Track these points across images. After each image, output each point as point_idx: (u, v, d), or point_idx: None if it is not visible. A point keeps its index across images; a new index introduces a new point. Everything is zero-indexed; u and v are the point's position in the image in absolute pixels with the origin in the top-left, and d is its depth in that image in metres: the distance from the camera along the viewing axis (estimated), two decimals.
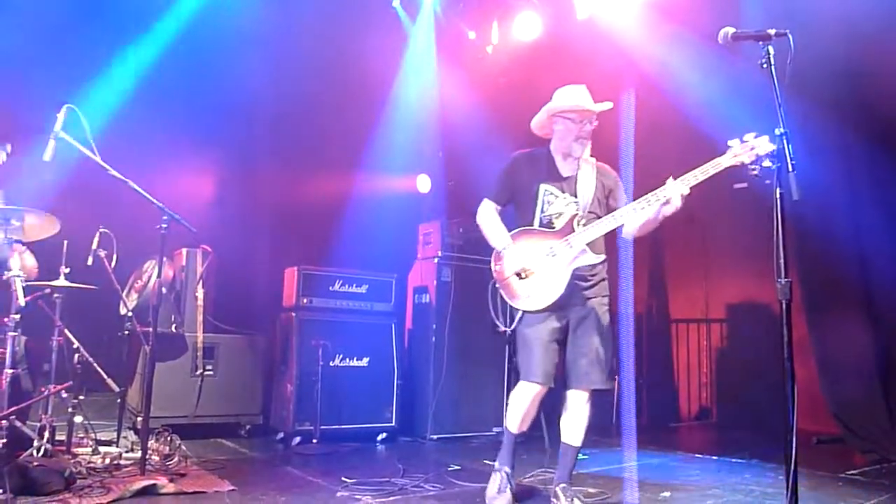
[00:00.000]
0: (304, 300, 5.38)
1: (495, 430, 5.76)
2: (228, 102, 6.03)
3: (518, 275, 3.35)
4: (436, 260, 5.83)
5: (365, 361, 5.46)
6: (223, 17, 5.84)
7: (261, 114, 6.33)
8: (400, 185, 7.48)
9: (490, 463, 3.93)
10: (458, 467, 4.47)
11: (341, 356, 5.35)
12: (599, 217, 3.37)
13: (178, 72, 5.80)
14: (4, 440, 3.36)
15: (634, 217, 3.24)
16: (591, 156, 3.56)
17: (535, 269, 3.33)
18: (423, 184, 7.63)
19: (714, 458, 5.14)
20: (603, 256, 3.38)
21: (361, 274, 5.66)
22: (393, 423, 5.53)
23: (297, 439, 5.12)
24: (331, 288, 5.51)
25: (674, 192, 3.03)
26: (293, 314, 5.32)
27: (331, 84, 6.52)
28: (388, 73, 6.92)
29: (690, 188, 3.02)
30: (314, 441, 5.06)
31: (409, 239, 6.22)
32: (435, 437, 5.56)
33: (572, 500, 3.38)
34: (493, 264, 3.47)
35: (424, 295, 5.89)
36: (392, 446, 5.38)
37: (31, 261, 4.16)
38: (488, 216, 3.59)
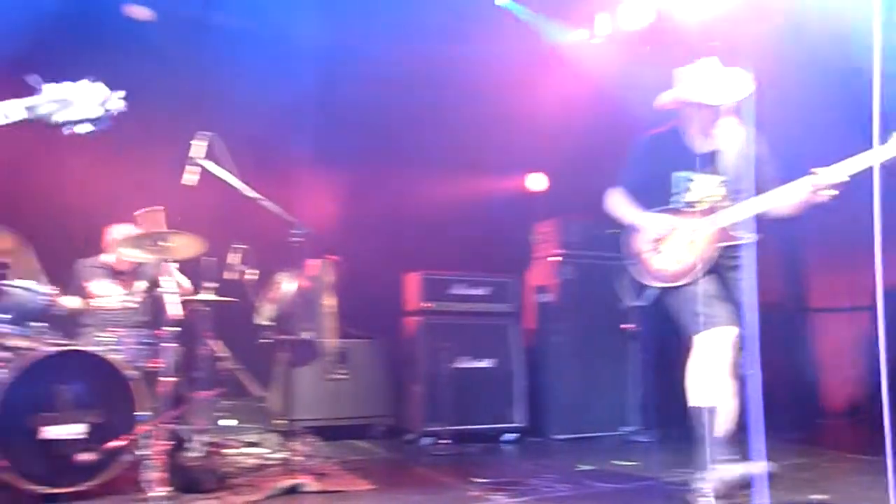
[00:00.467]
0: (427, 304, 5.51)
1: (622, 430, 5.65)
2: (342, 112, 6.26)
3: (653, 248, 3.22)
4: (555, 258, 5.79)
5: (489, 362, 5.52)
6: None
7: (374, 122, 6.51)
8: (511, 185, 7.48)
9: (620, 464, 3.87)
10: (591, 467, 4.42)
11: (465, 357, 5.43)
12: (744, 193, 3.12)
13: (293, 84, 6.04)
14: (170, 443, 3.67)
15: (782, 200, 3.05)
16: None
17: (671, 243, 3.20)
18: (536, 182, 7.59)
19: (867, 457, 4.77)
20: (750, 237, 3.04)
21: (481, 276, 5.73)
22: (519, 423, 5.55)
23: (427, 440, 5.25)
24: (452, 291, 5.61)
25: (830, 179, 2.83)
26: (417, 318, 5.46)
27: (441, 87, 6.62)
28: (495, 73, 6.93)
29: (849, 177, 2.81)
30: (443, 441, 5.16)
31: (523, 238, 6.21)
32: (560, 437, 5.53)
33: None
34: (626, 241, 3.36)
35: (545, 294, 5.86)
36: (518, 447, 5.40)
37: (183, 278, 4.52)
38: (619, 199, 3.45)
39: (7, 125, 1.74)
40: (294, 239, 4.35)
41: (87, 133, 1.81)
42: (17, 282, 3.83)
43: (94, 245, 4.68)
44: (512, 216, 6.77)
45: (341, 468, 4.29)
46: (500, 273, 5.85)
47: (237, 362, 4.50)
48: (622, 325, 5.55)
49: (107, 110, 1.83)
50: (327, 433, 5.09)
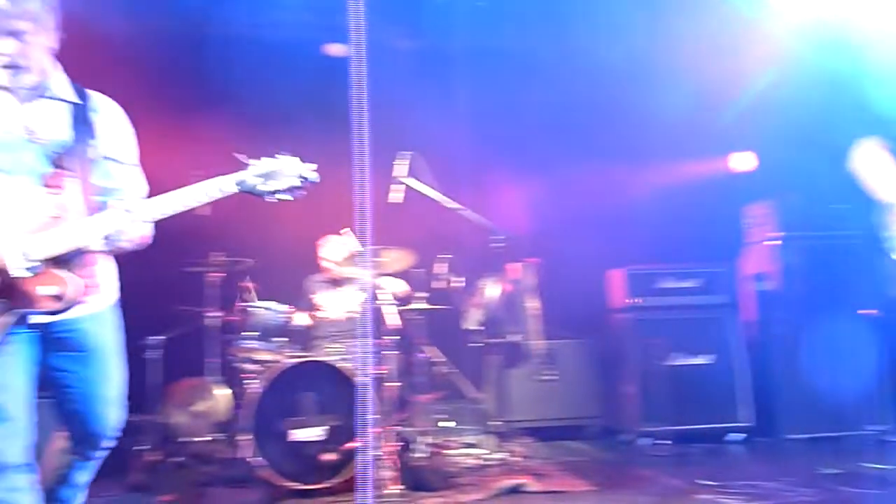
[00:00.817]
0: (634, 300, 5.35)
1: (870, 428, 5.02)
2: (531, 113, 6.27)
3: None
4: (773, 241, 5.32)
5: (706, 358, 5.21)
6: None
7: (562, 120, 6.44)
8: (714, 168, 7.00)
9: (873, 466, 3.44)
10: (837, 471, 3.99)
11: (679, 354, 5.18)
12: None
13: (481, 94, 6.17)
14: (400, 444, 3.94)
15: None
16: None
17: None
18: (742, 162, 7.03)
19: None
20: None
21: (691, 267, 5.43)
22: (745, 422, 5.16)
23: (644, 440, 5.08)
24: (659, 284, 5.38)
25: None
26: (624, 315, 5.32)
27: (626, 75, 6.39)
28: (684, 52, 6.54)
29: None
30: (661, 442, 4.97)
31: (732, 223, 5.78)
32: (794, 436, 5.05)
33: None
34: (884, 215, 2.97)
35: (765, 281, 5.41)
36: (746, 447, 5.03)
37: (401, 286, 4.82)
38: (874, 158, 2.97)
39: (221, 198, 2.08)
40: (495, 245, 4.46)
41: (286, 200, 2.13)
42: (259, 303, 4.33)
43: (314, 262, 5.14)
44: (717, 200, 6.33)
45: (559, 469, 4.30)
46: (711, 262, 5.50)
47: (452, 366, 4.69)
48: (860, 311, 4.96)
49: (303, 180, 2.13)
50: (541, 434, 5.13)
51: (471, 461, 4.51)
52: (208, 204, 2.10)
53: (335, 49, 5.94)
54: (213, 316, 4.45)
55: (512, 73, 6.24)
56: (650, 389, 5.07)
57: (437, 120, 5.75)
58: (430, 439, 4.41)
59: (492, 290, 4.91)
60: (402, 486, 3.77)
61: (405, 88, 5.94)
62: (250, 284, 4.53)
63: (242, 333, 4.26)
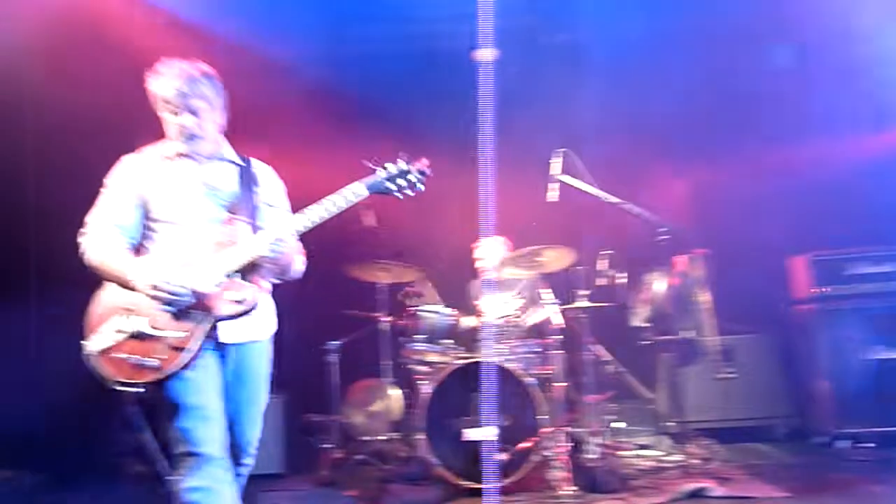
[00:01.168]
0: (821, 289, 4.88)
1: None
2: (688, 100, 5.95)
3: None
4: None
5: None
6: None
7: (719, 103, 6.05)
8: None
9: None
10: None
11: (879, 347, 4.66)
12: None
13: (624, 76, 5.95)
14: (570, 444, 3.89)
15: None
16: None
17: None
18: None
19: None
20: None
21: (886, 250, 4.87)
22: None
23: (843, 442, 4.62)
24: (850, 271, 4.87)
25: None
26: (809, 306, 4.88)
27: (784, 46, 5.89)
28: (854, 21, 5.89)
29: None
30: (864, 445, 4.49)
31: None
32: None
33: None
34: None
35: None
36: None
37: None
38: None
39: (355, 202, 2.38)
40: (659, 237, 4.28)
41: (410, 195, 2.44)
42: (427, 306, 4.48)
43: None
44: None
45: (745, 473, 4.02)
46: None
47: (620, 365, 4.57)
48: None
49: (421, 175, 2.44)
50: (721, 435, 4.82)
51: (646, 463, 4.35)
52: (365, 211, 2.28)
53: (483, 54, 6.00)
54: (385, 320, 4.66)
55: (663, 58, 5.95)
56: (847, 387, 4.60)
57: (590, 113, 5.65)
58: (601, 440, 4.32)
59: (659, 284, 4.72)
60: (575, 488, 3.73)
61: (555, 84, 5.90)
62: (418, 289, 4.70)
63: (413, 336, 4.42)
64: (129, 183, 2.40)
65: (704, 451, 4.34)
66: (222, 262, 2.29)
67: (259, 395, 2.52)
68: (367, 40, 6.01)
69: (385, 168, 2.41)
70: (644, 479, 3.96)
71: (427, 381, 4.17)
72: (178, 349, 2.22)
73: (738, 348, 5.16)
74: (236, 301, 2.28)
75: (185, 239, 2.36)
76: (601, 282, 4.56)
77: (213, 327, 2.29)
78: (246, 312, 2.31)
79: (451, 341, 4.45)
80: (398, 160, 2.42)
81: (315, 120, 5.70)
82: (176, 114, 2.35)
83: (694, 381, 5.01)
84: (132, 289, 2.24)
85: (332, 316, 5.12)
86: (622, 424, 4.62)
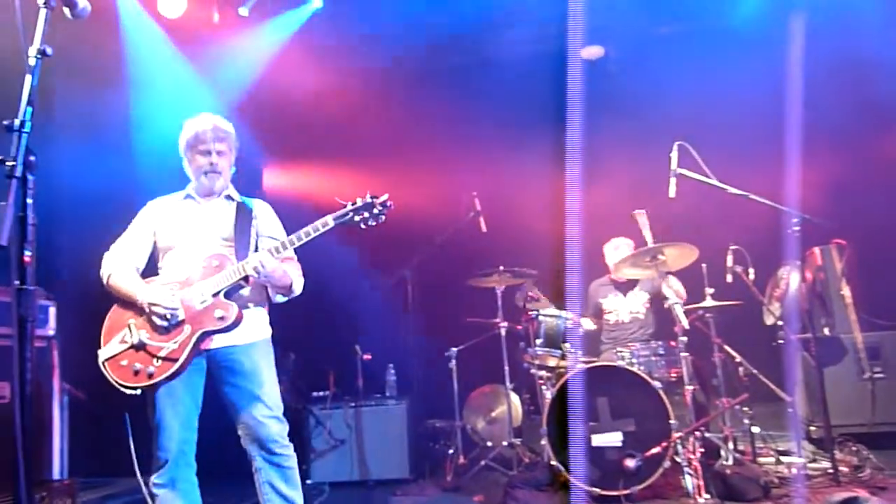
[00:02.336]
0: None
1: None
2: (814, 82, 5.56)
3: None
4: None
5: None
6: None
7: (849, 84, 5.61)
8: None
9: None
10: None
11: None
12: None
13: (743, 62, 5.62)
14: (702, 450, 3.72)
15: None
16: None
17: None
18: None
19: None
20: None
21: None
22: None
23: None
24: None
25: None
26: None
27: None
28: None
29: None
30: None
31: None
32: None
33: None
34: None
35: None
36: None
37: (679, 286, 4.61)
38: None
39: (320, 234, 2.67)
40: (791, 229, 4.02)
41: (372, 226, 2.70)
42: (546, 310, 4.44)
43: (597, 266, 5.12)
44: None
45: None
46: None
47: (755, 366, 4.32)
48: None
49: (383, 208, 2.70)
50: (868, 440, 4.44)
51: (787, 470, 4.08)
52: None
53: (591, 52, 5.91)
54: (503, 325, 4.66)
55: (786, 40, 5.59)
56: None
57: (709, 103, 5.41)
58: (737, 446, 4.10)
59: (793, 279, 4.43)
60: (709, 495, 3.56)
61: (669, 75, 5.70)
62: (536, 293, 4.67)
63: (534, 341, 4.39)
64: (145, 222, 2.89)
65: (853, 458, 4.02)
66: (210, 283, 2.68)
67: (257, 389, 2.75)
68: (469, 52, 6.06)
69: (353, 203, 2.71)
70: (787, 488, 3.73)
71: (548, 386, 4.12)
72: (170, 360, 2.62)
73: (884, 345, 4.74)
74: (219, 318, 2.64)
75: (184, 264, 2.78)
76: (730, 279, 4.34)
77: (201, 339, 2.65)
78: (229, 328, 2.66)
79: (572, 345, 4.39)
80: (366, 196, 2.71)
81: (415, 131, 5.83)
82: (207, 153, 2.82)
83: (836, 382, 4.64)
84: (140, 307, 2.66)
85: (451, 323, 5.19)
86: (757, 429, 4.36)
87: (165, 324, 2.63)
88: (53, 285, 3.85)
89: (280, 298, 2.89)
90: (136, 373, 2.62)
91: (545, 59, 5.49)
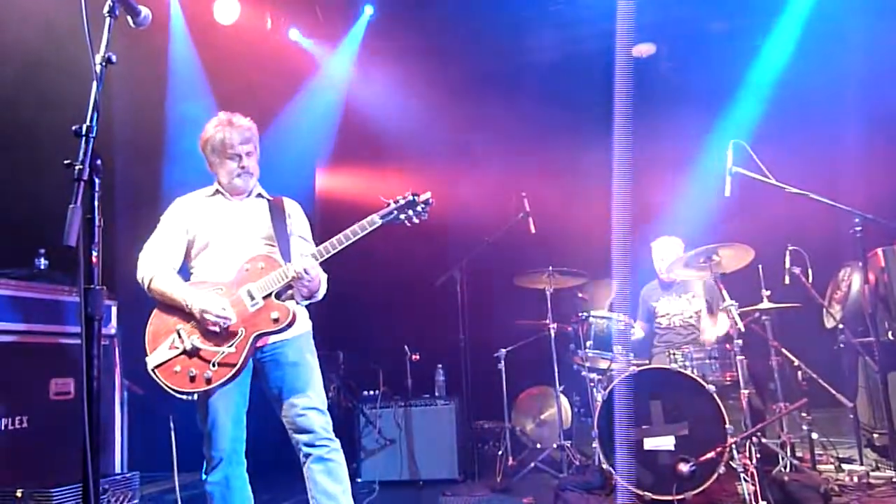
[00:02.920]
0: None
1: None
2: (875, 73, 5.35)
3: None
4: None
5: None
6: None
7: None
8: None
9: None
10: None
11: None
12: None
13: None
14: (759, 455, 3.62)
15: None
16: None
17: None
18: None
19: None
20: None
21: None
22: None
23: None
24: None
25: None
26: None
27: None
28: None
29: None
30: None
31: None
32: None
33: None
34: None
35: None
36: None
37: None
38: None
39: (367, 233, 2.67)
40: (852, 229, 3.88)
41: (416, 223, 2.74)
42: (597, 312, 4.39)
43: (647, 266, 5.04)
44: None
45: None
46: None
47: (814, 371, 4.18)
48: None
49: (426, 205, 2.73)
50: None
51: (848, 478, 3.94)
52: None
53: (643, 49, 5.82)
54: (553, 326, 4.62)
55: (842, 36, 5.41)
56: None
57: (764, 99, 5.27)
58: (795, 452, 3.98)
59: (854, 281, 4.28)
60: (766, 502, 3.45)
61: (722, 72, 5.58)
62: (586, 295, 4.62)
63: (585, 342, 4.35)
64: (177, 220, 2.84)
65: None
66: (260, 285, 2.66)
67: (299, 381, 2.74)
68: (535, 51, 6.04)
69: (396, 201, 2.73)
70: (848, 496, 3.60)
71: (599, 389, 4.07)
72: (228, 365, 2.59)
73: None
74: (275, 319, 2.63)
75: (224, 263, 2.75)
76: (786, 280, 4.21)
77: (256, 341, 2.64)
78: (283, 329, 2.66)
79: (622, 347, 4.33)
80: (407, 194, 2.73)
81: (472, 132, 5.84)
82: (238, 156, 2.81)
83: None
84: (189, 312, 2.63)
85: (500, 324, 5.18)
86: (817, 435, 4.22)
87: (218, 329, 2.61)
88: (112, 283, 3.99)
89: (303, 303, 2.84)
90: (193, 378, 2.58)
91: (596, 57, 5.46)
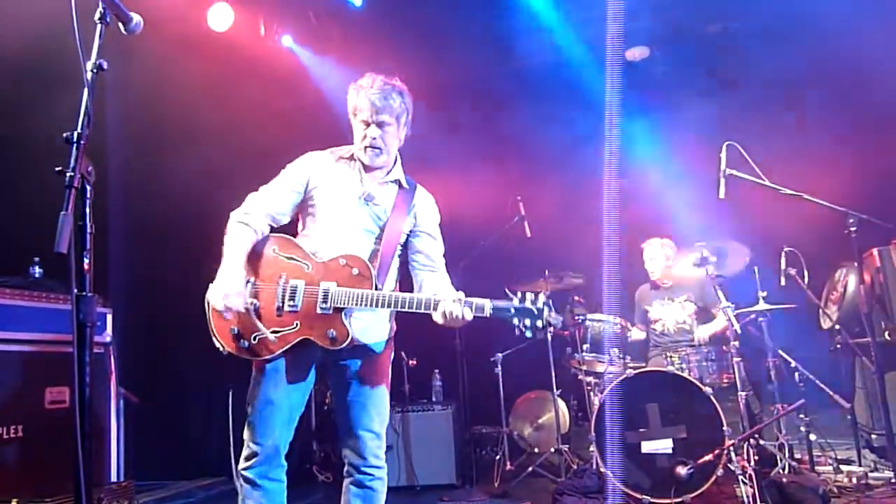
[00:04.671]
0: None
1: None
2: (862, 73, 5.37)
3: None
4: None
5: None
6: None
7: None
8: None
9: None
10: None
11: None
12: None
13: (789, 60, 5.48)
14: (757, 457, 3.62)
15: None
16: None
17: None
18: None
19: None
20: None
21: None
22: None
23: None
24: None
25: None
26: None
27: None
28: None
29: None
30: None
31: None
32: None
33: None
34: None
35: None
36: None
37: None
38: None
39: (484, 316, 2.33)
40: (847, 230, 3.89)
41: (528, 337, 2.33)
42: (593, 315, 4.39)
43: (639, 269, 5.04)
44: None
45: None
46: None
47: (811, 372, 4.18)
48: None
49: (547, 326, 2.34)
50: None
51: (847, 479, 3.94)
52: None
53: (635, 52, 5.84)
54: (550, 330, 4.60)
55: (831, 38, 5.42)
56: None
57: (757, 101, 5.29)
58: (793, 454, 3.98)
59: (850, 282, 4.28)
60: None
61: (716, 74, 5.60)
62: (581, 298, 4.62)
63: (581, 346, 4.34)
64: (298, 175, 2.53)
65: None
66: (341, 294, 2.33)
67: (366, 398, 2.47)
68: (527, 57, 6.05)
69: (520, 299, 2.36)
70: (846, 498, 3.60)
71: (596, 392, 4.07)
72: (264, 347, 2.34)
73: None
74: (331, 338, 2.33)
75: (329, 241, 2.45)
76: (782, 282, 4.22)
77: (301, 343, 2.34)
78: (333, 352, 2.35)
79: (620, 350, 4.32)
80: (537, 298, 2.35)
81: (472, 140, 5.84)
82: (367, 125, 2.45)
83: None
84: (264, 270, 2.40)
85: (496, 328, 5.16)
86: (815, 436, 4.22)
87: (280, 303, 2.35)
88: (106, 292, 3.98)
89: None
90: (235, 336, 2.34)
91: (590, 61, 5.47)
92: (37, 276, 3.67)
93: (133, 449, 4.13)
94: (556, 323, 2.37)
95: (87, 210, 1.65)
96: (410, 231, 2.58)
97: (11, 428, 3.31)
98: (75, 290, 1.61)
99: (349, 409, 2.46)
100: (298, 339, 2.34)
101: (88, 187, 1.66)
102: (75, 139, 1.67)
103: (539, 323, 2.31)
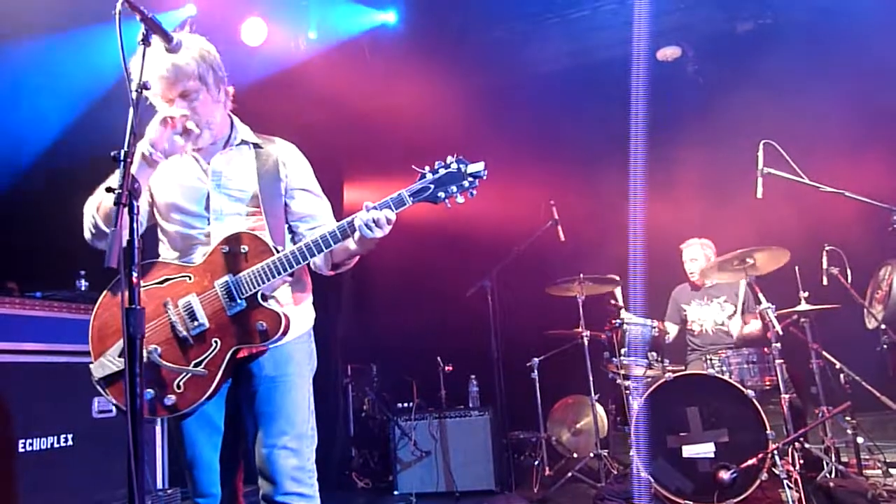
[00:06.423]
0: None
1: None
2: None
3: None
4: None
5: None
6: None
7: None
8: None
9: None
10: None
11: None
12: None
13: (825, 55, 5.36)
14: (802, 461, 3.55)
15: None
16: None
17: None
18: None
19: None
20: None
21: None
22: None
23: None
24: None
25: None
26: None
27: None
28: None
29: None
30: None
31: None
32: None
33: None
34: None
35: None
36: None
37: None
38: None
39: (401, 209, 2.02)
40: (892, 226, 3.79)
41: (459, 203, 2.06)
42: (632, 318, 4.36)
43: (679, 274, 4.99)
44: None
45: None
46: None
47: (857, 373, 4.09)
48: None
49: (473, 178, 2.06)
50: None
51: None
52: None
53: (668, 52, 5.78)
54: (586, 334, 4.58)
55: (860, 30, 5.30)
56: None
57: (794, 99, 5.19)
58: (840, 457, 3.88)
59: (894, 280, 4.17)
60: None
61: (750, 73, 5.51)
62: (618, 302, 4.59)
63: (619, 350, 4.31)
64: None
65: None
66: (243, 281, 1.96)
67: (272, 406, 2.02)
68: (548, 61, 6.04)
69: (434, 171, 2.04)
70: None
71: (635, 396, 4.03)
72: (196, 387, 1.93)
73: None
74: (261, 331, 1.94)
75: (191, 241, 2.07)
76: (824, 281, 4.13)
77: (234, 358, 1.97)
78: (272, 342, 1.97)
79: (656, 353, 4.28)
80: (449, 160, 2.05)
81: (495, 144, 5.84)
82: (169, 103, 2.03)
83: None
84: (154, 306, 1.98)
85: (532, 333, 5.16)
86: (862, 439, 4.11)
87: (183, 330, 1.95)
88: None
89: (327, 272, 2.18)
90: (150, 402, 1.91)
91: (621, 62, 5.44)
92: (83, 289, 3.79)
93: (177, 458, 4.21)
94: (480, 170, 2.06)
95: (135, 225, 1.70)
96: (285, 192, 2.17)
97: (62, 437, 3.41)
98: (125, 304, 1.66)
99: (258, 420, 2.01)
100: (230, 354, 1.95)
101: (136, 204, 1.71)
102: (122, 157, 1.72)
103: (465, 182, 2.03)
